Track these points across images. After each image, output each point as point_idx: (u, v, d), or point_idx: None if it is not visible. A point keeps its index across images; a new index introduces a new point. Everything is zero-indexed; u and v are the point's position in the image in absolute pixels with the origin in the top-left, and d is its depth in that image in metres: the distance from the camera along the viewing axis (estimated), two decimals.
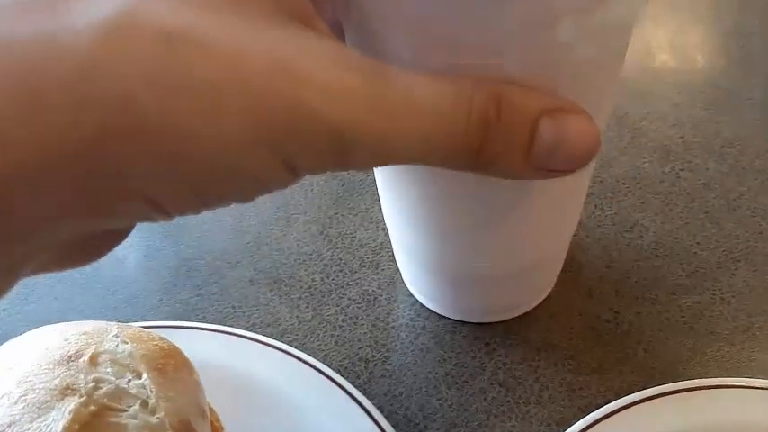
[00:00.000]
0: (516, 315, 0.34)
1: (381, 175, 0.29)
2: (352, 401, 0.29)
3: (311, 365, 0.31)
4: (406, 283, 0.35)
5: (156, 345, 0.26)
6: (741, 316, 0.33)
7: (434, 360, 0.33)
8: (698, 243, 0.37)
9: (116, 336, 0.26)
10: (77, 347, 0.25)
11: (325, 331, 0.34)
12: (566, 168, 0.20)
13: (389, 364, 0.33)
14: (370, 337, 0.34)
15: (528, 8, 0.19)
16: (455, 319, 0.34)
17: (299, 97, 0.16)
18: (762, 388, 0.29)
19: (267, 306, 0.35)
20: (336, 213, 0.40)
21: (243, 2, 0.17)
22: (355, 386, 0.30)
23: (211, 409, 0.28)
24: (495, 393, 0.31)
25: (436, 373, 0.32)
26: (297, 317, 0.35)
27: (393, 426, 0.29)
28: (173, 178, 0.16)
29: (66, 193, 0.15)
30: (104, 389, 0.23)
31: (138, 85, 0.15)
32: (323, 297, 0.36)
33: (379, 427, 0.29)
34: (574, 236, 0.32)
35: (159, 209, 0.17)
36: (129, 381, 0.24)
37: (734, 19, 0.50)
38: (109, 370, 0.24)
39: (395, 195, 0.29)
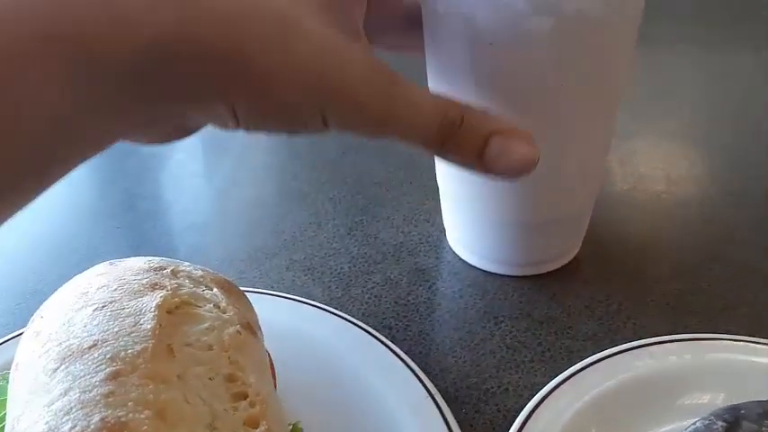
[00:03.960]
0: (547, 271, 0.40)
1: None
2: (388, 351, 0.34)
3: (353, 323, 0.35)
4: (449, 238, 0.42)
5: (221, 276, 0.31)
6: (716, 299, 0.38)
7: (449, 328, 0.37)
8: (678, 246, 0.42)
9: (189, 264, 0.31)
10: (160, 264, 0.30)
11: (354, 306, 0.39)
12: (506, 174, 0.27)
13: (410, 332, 0.37)
14: (392, 311, 0.39)
15: None
16: (488, 271, 0.40)
17: (339, 78, 0.24)
18: (734, 340, 0.34)
19: (302, 287, 0.40)
20: (362, 219, 0.45)
21: (334, 17, 0.25)
22: None
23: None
24: (503, 353, 0.36)
25: (451, 339, 0.37)
26: (328, 295, 0.40)
27: None
28: (254, 100, 0.24)
29: (183, 81, 0.22)
30: (185, 290, 0.28)
31: (257, 39, 0.23)
32: (350, 281, 0.41)
33: (411, 369, 0.33)
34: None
35: (234, 117, 0.24)
36: (204, 290, 0.29)
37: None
38: (187, 281, 0.29)
39: None
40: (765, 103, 0.57)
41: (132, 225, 0.46)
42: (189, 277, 0.30)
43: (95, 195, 0.50)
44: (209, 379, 0.25)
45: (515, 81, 0.32)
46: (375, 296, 0.40)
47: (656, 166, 0.50)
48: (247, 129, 0.25)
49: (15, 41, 0.20)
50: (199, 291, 0.29)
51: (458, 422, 0.30)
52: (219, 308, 0.28)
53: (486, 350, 0.36)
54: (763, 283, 0.39)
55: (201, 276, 0.30)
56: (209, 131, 0.26)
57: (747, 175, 0.48)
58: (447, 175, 0.39)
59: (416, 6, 0.34)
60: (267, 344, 0.31)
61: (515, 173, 0.27)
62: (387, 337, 0.35)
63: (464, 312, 0.38)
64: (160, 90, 0.23)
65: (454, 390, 0.34)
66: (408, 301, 0.39)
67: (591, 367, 0.32)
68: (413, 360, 0.34)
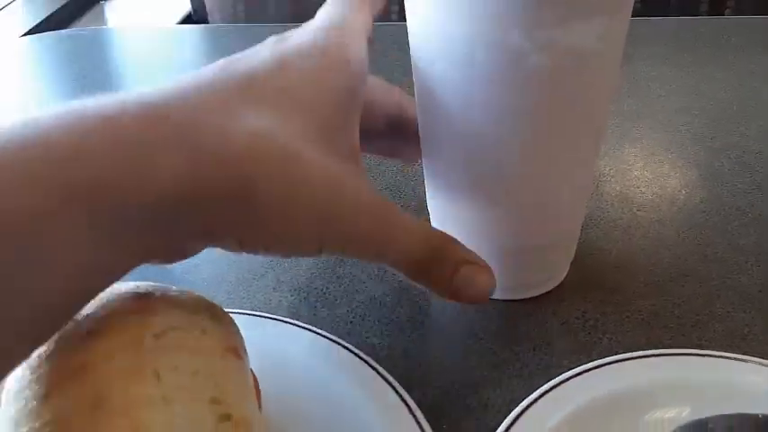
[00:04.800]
0: (535, 294, 0.41)
1: (426, 154, 0.38)
2: (371, 369, 0.35)
3: (337, 342, 0.36)
4: None
5: (207, 299, 0.32)
6: (689, 315, 0.40)
7: (431, 346, 0.39)
8: (653, 263, 0.43)
9: (176, 289, 0.32)
10: (148, 289, 0.31)
11: (339, 325, 0.40)
12: (471, 299, 0.31)
13: (393, 350, 0.38)
14: (376, 329, 0.40)
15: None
16: None
17: (336, 210, 0.27)
18: (705, 356, 0.35)
19: (288, 308, 0.41)
20: None
21: (331, 143, 0.28)
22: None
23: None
24: (483, 370, 0.37)
25: (433, 356, 0.38)
26: (314, 315, 0.41)
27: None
28: (258, 232, 0.27)
29: (194, 221, 0.25)
30: (172, 314, 0.29)
31: (265, 176, 0.25)
32: (336, 300, 0.42)
33: (392, 387, 0.34)
34: None
35: (241, 246, 0.27)
36: (190, 314, 0.30)
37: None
38: (174, 306, 0.30)
39: (444, 169, 0.37)
40: (739, 121, 0.59)
41: None
42: (176, 301, 0.31)
43: None
44: (195, 402, 0.26)
45: (506, 114, 0.33)
46: (359, 315, 0.41)
47: (630, 183, 0.51)
48: (248, 253, 0.28)
49: (36, 196, 0.21)
50: (185, 315, 0.30)
51: None
52: (205, 332, 0.29)
53: (466, 367, 0.37)
54: (736, 299, 0.41)
55: (188, 300, 0.31)
56: None
57: (721, 193, 0.50)
58: (436, 198, 0.40)
59: (396, 112, 0.36)
60: (253, 365, 0.32)
61: (475, 300, 0.31)
62: (370, 355, 0.36)
63: (446, 330, 0.40)
64: (177, 230, 0.25)
65: (436, 406, 0.35)
66: (392, 319, 0.40)
67: (565, 383, 0.34)
68: (395, 377, 0.35)
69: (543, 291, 0.41)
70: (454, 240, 0.31)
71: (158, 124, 0.24)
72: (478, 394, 0.36)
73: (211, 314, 0.31)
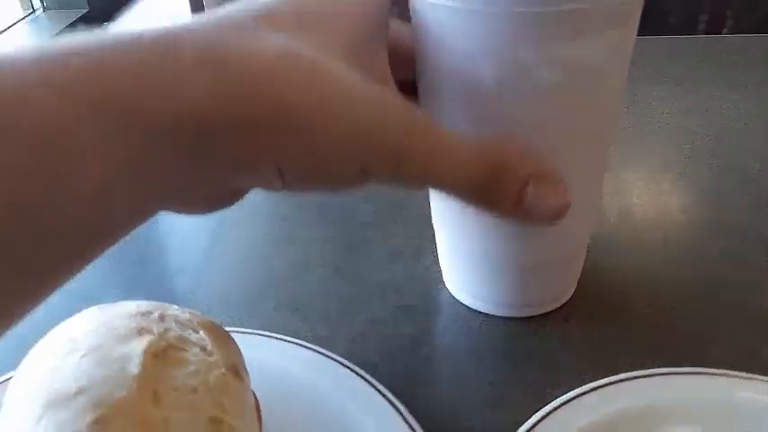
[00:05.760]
0: (540, 313, 0.41)
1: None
2: (373, 389, 0.34)
3: (338, 362, 0.36)
4: (445, 279, 0.43)
5: (208, 319, 0.32)
6: (694, 335, 0.39)
7: (434, 366, 0.38)
8: (656, 283, 0.43)
9: (177, 308, 0.32)
10: (148, 308, 0.30)
11: (340, 344, 0.39)
12: (542, 220, 0.28)
13: (394, 369, 0.38)
14: (378, 349, 0.39)
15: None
16: (481, 311, 0.41)
17: (379, 127, 0.24)
18: (711, 374, 0.34)
19: (289, 327, 0.41)
20: (349, 259, 0.46)
21: (360, 63, 0.26)
22: None
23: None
24: (487, 390, 0.37)
25: (435, 376, 0.38)
26: (315, 334, 0.40)
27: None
28: (299, 160, 0.24)
29: (227, 150, 0.22)
30: (172, 334, 0.29)
31: (296, 96, 0.23)
32: (337, 320, 0.41)
33: (395, 408, 0.33)
34: None
35: (281, 178, 0.24)
36: (190, 333, 0.30)
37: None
38: (174, 325, 0.30)
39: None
40: (740, 139, 0.59)
41: (123, 268, 0.47)
42: (176, 321, 0.30)
43: None
44: (194, 422, 0.25)
45: (516, 130, 0.32)
46: (361, 334, 0.40)
47: (632, 202, 0.51)
48: (292, 190, 0.25)
49: (62, 108, 0.20)
50: (185, 334, 0.30)
51: None
52: (206, 351, 0.29)
53: (470, 387, 0.37)
54: (739, 319, 0.40)
55: (189, 319, 0.31)
56: None
57: (723, 212, 0.50)
58: (442, 217, 0.39)
59: (402, 42, 0.34)
60: (254, 385, 0.32)
61: (550, 220, 0.28)
62: (372, 375, 0.36)
63: (449, 349, 0.39)
64: (203, 160, 0.23)
65: (439, 428, 0.34)
66: (393, 338, 0.40)
67: (570, 403, 0.33)
68: (397, 397, 0.34)
69: (549, 309, 0.41)
70: (520, 150, 0.27)
71: (179, 41, 0.22)
72: (481, 414, 0.35)
73: (212, 333, 0.31)
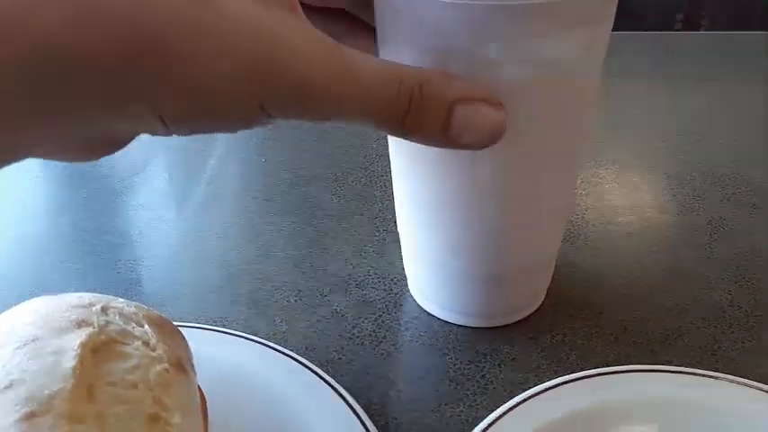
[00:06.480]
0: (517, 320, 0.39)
1: (397, 175, 0.36)
2: (329, 388, 0.33)
3: (295, 359, 0.35)
4: (411, 287, 0.41)
5: (155, 313, 0.31)
6: (658, 330, 0.39)
7: (393, 362, 0.37)
8: (623, 278, 0.43)
9: (122, 301, 0.30)
10: (91, 300, 0.29)
11: (298, 340, 0.38)
12: (474, 145, 0.26)
13: (353, 366, 0.37)
14: (336, 345, 0.38)
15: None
16: (445, 320, 0.39)
17: (275, 59, 0.22)
18: (672, 372, 0.34)
19: (246, 321, 0.40)
20: (311, 251, 0.45)
21: None
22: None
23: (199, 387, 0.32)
24: (446, 386, 0.36)
25: (394, 372, 0.37)
26: (272, 329, 0.39)
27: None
28: (179, 96, 0.21)
29: (90, 87, 0.20)
30: (113, 327, 0.28)
31: (168, 24, 0.20)
32: (296, 314, 0.40)
33: (350, 406, 0.32)
34: None
35: (161, 120, 0.21)
36: (134, 327, 0.29)
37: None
38: (117, 318, 0.29)
39: (412, 198, 0.36)
40: (711, 135, 0.58)
41: (77, 258, 0.46)
42: (120, 314, 0.29)
43: (41, 228, 0.50)
44: (131, 419, 0.24)
45: None
46: (320, 330, 0.39)
47: (602, 197, 0.50)
48: (179, 133, 0.22)
49: None
50: (128, 328, 0.28)
51: None
52: (149, 345, 0.28)
53: (428, 383, 0.36)
54: (705, 314, 0.40)
55: (134, 313, 0.30)
56: None
57: (692, 207, 0.49)
58: (408, 220, 0.38)
59: None
60: (203, 382, 0.30)
61: (484, 144, 0.26)
62: (329, 373, 0.35)
63: (408, 345, 0.38)
64: (65, 99, 0.20)
65: (395, 425, 0.33)
66: (353, 334, 0.39)
67: (530, 400, 0.32)
68: (354, 395, 0.33)
69: (513, 320, 0.40)
70: (442, 74, 0.25)
71: None
72: (440, 411, 0.34)
73: (157, 327, 0.29)
